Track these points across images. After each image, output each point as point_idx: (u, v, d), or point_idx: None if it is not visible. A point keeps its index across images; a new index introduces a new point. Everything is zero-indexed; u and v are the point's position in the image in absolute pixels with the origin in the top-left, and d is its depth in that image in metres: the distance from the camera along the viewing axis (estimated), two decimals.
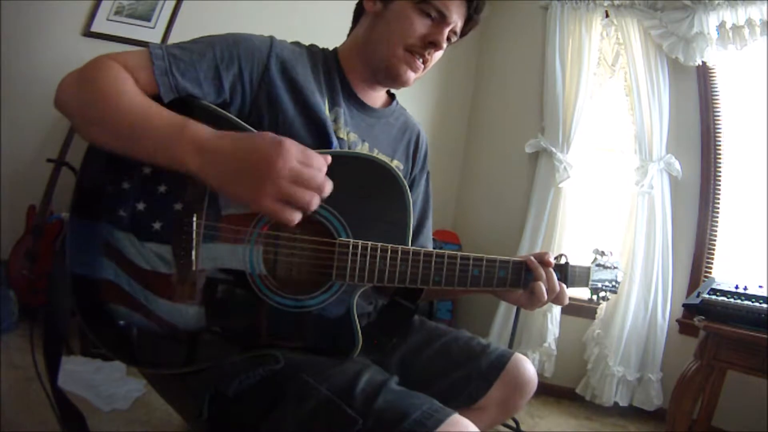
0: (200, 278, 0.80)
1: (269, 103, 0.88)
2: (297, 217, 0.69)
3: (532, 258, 0.90)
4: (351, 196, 0.84)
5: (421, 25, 0.94)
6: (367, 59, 0.99)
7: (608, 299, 1.04)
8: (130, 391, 1.75)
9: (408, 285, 0.86)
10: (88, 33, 2.34)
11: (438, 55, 0.99)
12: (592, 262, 1.01)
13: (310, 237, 0.83)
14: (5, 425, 1.41)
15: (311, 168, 0.70)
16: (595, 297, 1.01)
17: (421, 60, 0.96)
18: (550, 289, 0.89)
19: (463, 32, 0.99)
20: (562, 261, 0.94)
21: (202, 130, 0.72)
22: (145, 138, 0.72)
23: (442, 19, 0.94)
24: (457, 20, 0.95)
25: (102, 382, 1.76)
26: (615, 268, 1.03)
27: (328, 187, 0.71)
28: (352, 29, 1.05)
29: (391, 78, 0.98)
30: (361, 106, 1.02)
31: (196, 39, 0.87)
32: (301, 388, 0.77)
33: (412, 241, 1.06)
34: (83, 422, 0.90)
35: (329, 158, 0.74)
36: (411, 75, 0.97)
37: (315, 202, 0.70)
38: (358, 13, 1.03)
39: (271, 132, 0.72)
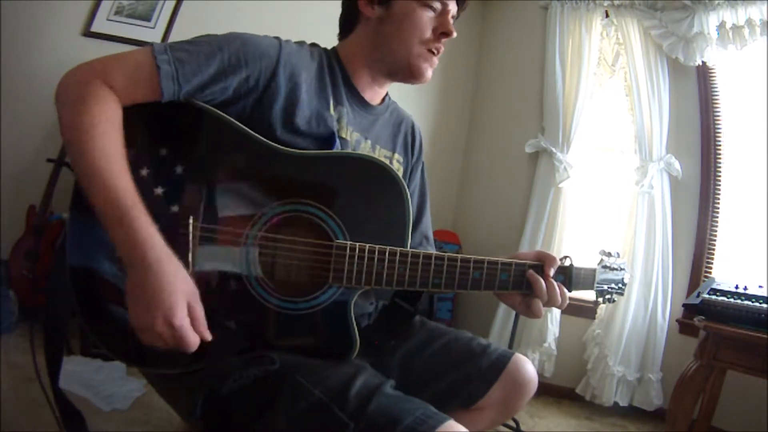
0: (196, 280, 0.80)
1: (271, 106, 0.88)
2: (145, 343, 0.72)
3: (533, 272, 0.90)
4: (349, 198, 0.84)
5: (429, 19, 0.96)
6: (380, 60, 0.99)
7: (614, 301, 1.03)
8: (130, 391, 1.75)
9: (407, 288, 0.85)
10: (88, 33, 2.34)
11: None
12: (598, 264, 1.00)
13: (306, 239, 0.83)
14: (5, 425, 1.41)
15: (181, 340, 0.71)
16: (600, 299, 1.01)
17: (436, 53, 0.99)
18: (551, 302, 0.89)
19: (458, 15, 1.02)
20: (567, 263, 0.94)
21: (140, 226, 0.71)
22: (93, 195, 0.73)
23: (444, 9, 0.97)
24: (453, 6, 0.99)
25: (102, 382, 1.76)
26: (621, 269, 1.02)
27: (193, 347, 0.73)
28: (344, 35, 1.04)
29: (413, 76, 1.00)
30: (363, 105, 1.03)
31: (200, 38, 0.86)
32: (295, 389, 0.77)
33: (413, 230, 1.07)
34: (83, 422, 0.90)
35: (208, 337, 0.74)
36: (430, 72, 1.01)
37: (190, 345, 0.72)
38: (352, 19, 1.02)
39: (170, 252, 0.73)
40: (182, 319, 0.70)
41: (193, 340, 0.72)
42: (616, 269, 1.01)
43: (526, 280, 0.89)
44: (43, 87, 2.11)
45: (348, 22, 1.03)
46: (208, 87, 0.83)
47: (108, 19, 2.38)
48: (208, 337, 0.74)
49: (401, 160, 1.10)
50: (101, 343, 0.83)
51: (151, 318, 0.70)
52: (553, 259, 0.91)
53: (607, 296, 1.01)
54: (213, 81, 0.83)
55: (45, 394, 0.85)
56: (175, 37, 2.46)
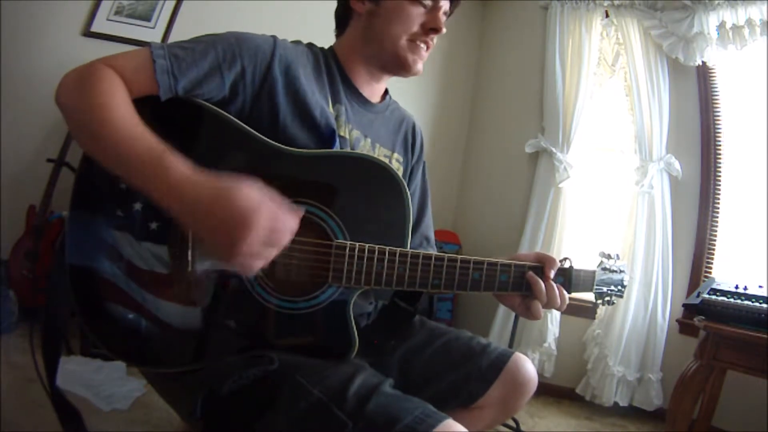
0: (196, 279, 0.80)
1: (270, 103, 0.88)
2: (258, 269, 0.71)
3: (532, 273, 0.90)
4: (349, 197, 0.84)
5: (417, 15, 0.97)
6: (372, 54, 1.00)
7: (614, 303, 1.02)
8: (130, 391, 1.75)
9: (407, 288, 0.85)
10: (88, 33, 2.34)
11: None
12: (598, 266, 1.00)
13: (306, 239, 0.83)
14: (5, 425, 1.41)
15: (280, 232, 0.70)
16: (600, 301, 1.00)
17: (425, 47, 0.99)
18: (550, 304, 0.89)
19: (451, 11, 1.03)
20: (566, 265, 0.94)
21: (179, 171, 0.70)
22: (122, 160, 0.72)
23: (435, 5, 0.98)
24: (446, 2, 0.99)
25: (102, 382, 1.76)
26: (621, 271, 1.02)
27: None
28: (339, 32, 1.05)
29: (403, 68, 1.00)
30: (362, 102, 1.03)
31: (198, 38, 0.87)
32: (294, 389, 0.77)
33: (413, 231, 1.06)
34: (81, 422, 0.90)
35: (301, 212, 0.74)
36: (419, 64, 1.01)
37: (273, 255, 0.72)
38: (345, 15, 1.03)
39: (249, 180, 0.71)
40: (264, 221, 0.68)
41: (288, 233, 0.71)
42: (616, 271, 1.01)
43: (525, 282, 0.89)
44: (43, 87, 2.11)
45: (342, 19, 1.05)
46: (204, 81, 0.83)
47: (108, 19, 2.38)
48: (296, 226, 0.72)
49: (401, 159, 1.10)
50: (101, 343, 0.82)
51: (237, 244, 0.66)
52: (553, 260, 0.91)
53: (607, 298, 1.01)
54: (208, 75, 0.83)
55: (47, 393, 0.85)
56: (175, 37, 2.47)
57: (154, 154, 0.71)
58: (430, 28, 0.97)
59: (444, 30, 0.98)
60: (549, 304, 0.89)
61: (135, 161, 0.71)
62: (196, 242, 0.80)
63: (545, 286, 0.89)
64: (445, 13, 1.00)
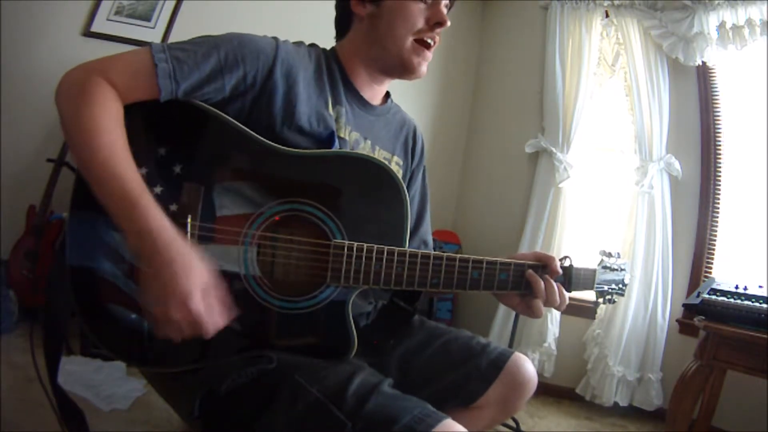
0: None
1: (270, 105, 0.88)
2: (164, 337, 0.72)
3: (531, 272, 0.90)
4: (347, 198, 0.84)
5: (419, 11, 0.96)
6: (375, 57, 0.99)
7: (615, 302, 1.02)
8: (130, 391, 1.75)
9: (405, 288, 0.85)
10: (88, 33, 2.34)
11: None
12: (599, 264, 1.00)
13: (304, 239, 0.83)
14: (5, 425, 1.41)
15: (202, 326, 0.72)
16: (601, 300, 1.00)
17: (432, 43, 0.98)
18: (549, 301, 0.89)
19: (451, 4, 1.02)
20: (566, 263, 0.94)
21: (150, 214, 0.71)
22: (99, 190, 0.73)
23: None
24: None
25: (102, 382, 1.76)
26: (622, 270, 1.02)
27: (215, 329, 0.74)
28: (340, 36, 1.05)
29: (407, 71, 0.99)
30: (363, 104, 1.02)
31: (198, 39, 0.87)
32: (293, 389, 0.77)
33: (411, 235, 1.06)
34: (83, 420, 0.90)
35: (227, 319, 0.75)
36: (424, 66, 1.00)
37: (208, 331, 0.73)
38: (346, 19, 1.02)
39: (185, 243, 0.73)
40: (198, 304, 0.70)
41: (210, 326, 0.72)
42: (617, 270, 1.01)
43: (525, 280, 0.89)
44: (43, 87, 2.11)
45: (342, 22, 1.04)
46: (206, 85, 0.83)
47: (108, 19, 2.38)
48: (222, 323, 0.74)
49: (400, 163, 1.09)
50: (101, 343, 0.82)
51: (167, 306, 0.69)
52: (552, 258, 0.91)
53: (608, 297, 1.01)
54: (210, 79, 0.83)
55: (47, 393, 0.85)
56: (175, 37, 2.47)
57: (130, 198, 0.72)
58: (434, 23, 0.97)
59: (449, 23, 0.98)
60: (548, 303, 0.89)
61: (111, 197, 0.72)
62: (194, 241, 0.80)
63: (545, 284, 0.89)
64: (446, 6, 0.99)
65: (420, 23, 0.96)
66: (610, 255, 1.01)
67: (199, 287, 0.71)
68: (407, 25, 0.96)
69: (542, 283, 0.89)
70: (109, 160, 0.73)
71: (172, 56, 0.80)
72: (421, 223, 1.14)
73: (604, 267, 1.00)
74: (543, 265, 0.91)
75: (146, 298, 0.72)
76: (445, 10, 0.99)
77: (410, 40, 0.96)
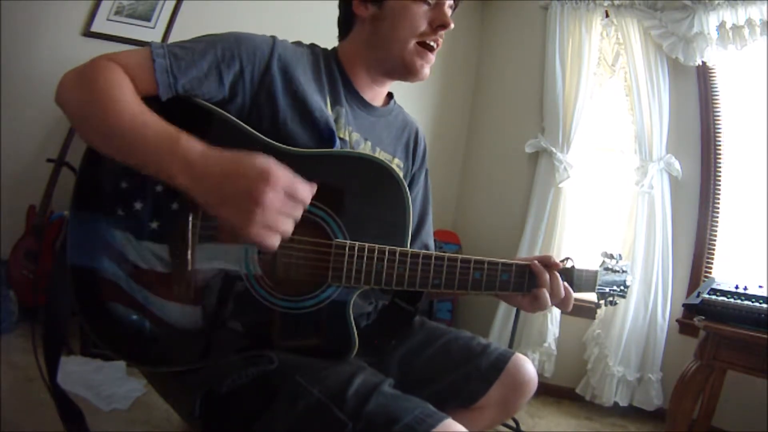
0: (196, 278, 0.80)
1: (269, 102, 0.88)
2: (277, 243, 0.70)
3: (536, 262, 0.89)
4: (349, 197, 0.84)
5: (422, 13, 0.95)
6: (377, 59, 0.99)
7: (616, 303, 1.02)
8: (130, 391, 1.75)
9: (406, 288, 0.85)
10: (88, 33, 2.34)
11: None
12: (600, 266, 0.99)
13: (306, 238, 0.83)
14: (5, 425, 1.41)
15: (295, 200, 0.70)
16: (602, 301, 1.00)
17: (435, 45, 0.97)
18: (554, 294, 0.88)
19: (456, 5, 1.01)
20: (568, 265, 0.93)
21: (192, 147, 0.71)
22: (136, 147, 0.72)
23: (439, 1, 0.96)
24: None
25: (102, 382, 1.76)
26: (623, 271, 1.01)
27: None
28: (342, 37, 1.04)
29: (410, 73, 0.99)
30: (363, 105, 1.02)
31: (197, 38, 0.87)
32: (294, 389, 0.77)
33: (413, 238, 1.06)
34: (83, 421, 0.90)
35: (315, 186, 0.73)
36: (427, 69, 0.99)
37: (291, 229, 0.71)
38: (348, 20, 1.02)
39: (267, 140, 0.72)
40: (285, 177, 0.68)
41: (309, 186, 0.71)
42: (618, 271, 1.01)
43: (527, 281, 0.89)
44: (43, 87, 2.11)
45: (345, 23, 1.03)
46: (204, 81, 0.83)
47: (108, 19, 2.38)
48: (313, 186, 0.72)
49: (401, 165, 1.09)
50: (101, 343, 0.82)
51: (262, 199, 0.66)
52: (551, 256, 0.91)
53: (609, 298, 1.01)
54: (207, 75, 0.83)
55: (50, 392, 0.85)
56: (175, 37, 2.47)
57: (168, 137, 0.71)
58: (437, 25, 0.96)
59: (452, 25, 0.97)
60: (553, 295, 0.88)
61: (149, 146, 0.71)
62: (195, 240, 0.80)
63: (551, 276, 0.88)
64: (450, 7, 0.98)
65: (423, 26, 0.95)
66: (611, 256, 1.01)
67: (265, 175, 0.68)
68: (410, 27, 0.95)
69: (547, 274, 0.88)
70: (135, 121, 0.72)
71: (170, 53, 0.81)
72: (423, 227, 1.13)
73: (606, 269, 0.99)
74: (545, 261, 0.91)
75: (237, 211, 0.67)
76: (449, 12, 0.98)
77: (413, 42, 0.96)
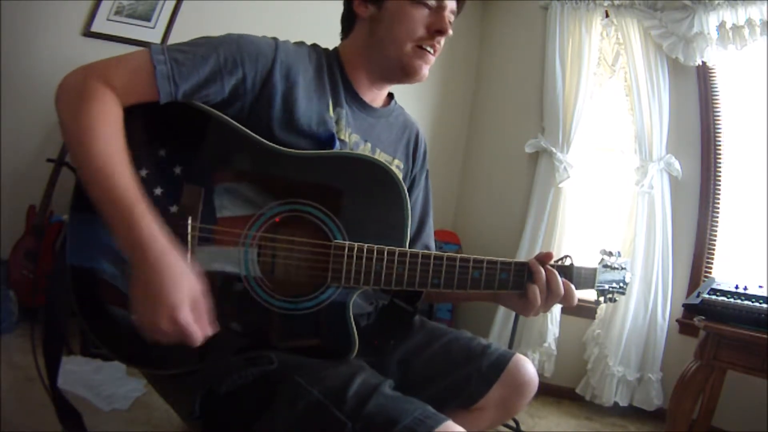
0: None
1: (269, 106, 0.88)
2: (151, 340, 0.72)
3: (534, 260, 0.89)
4: (347, 198, 0.84)
5: (422, 17, 0.94)
6: (375, 61, 0.98)
7: (616, 300, 1.02)
8: (130, 391, 1.75)
9: (406, 288, 0.85)
10: (88, 33, 2.34)
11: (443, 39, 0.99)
12: (599, 263, 0.99)
13: (305, 239, 0.83)
14: (5, 425, 1.41)
15: (187, 336, 0.71)
16: (602, 299, 1.00)
17: (432, 51, 0.97)
18: (552, 291, 0.87)
19: (458, 11, 1.00)
20: (567, 262, 0.93)
21: (143, 224, 0.71)
22: (96, 197, 0.73)
23: (440, 6, 0.95)
24: (452, 2, 0.96)
25: (102, 382, 1.76)
26: (623, 269, 1.01)
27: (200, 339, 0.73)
28: (344, 36, 1.04)
29: (408, 75, 0.98)
30: (363, 107, 1.02)
31: (198, 40, 0.87)
32: (293, 389, 0.77)
33: (413, 240, 1.06)
34: (80, 421, 0.90)
35: (214, 330, 0.75)
36: (425, 69, 0.98)
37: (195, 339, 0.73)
38: (350, 19, 1.02)
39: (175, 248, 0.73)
40: (186, 316, 0.70)
41: (198, 336, 0.72)
42: (617, 268, 1.01)
43: (526, 276, 0.88)
44: (43, 87, 2.11)
45: (346, 22, 1.03)
46: (205, 87, 0.83)
47: (108, 19, 2.38)
48: (210, 332, 0.74)
49: (401, 166, 1.08)
50: (101, 343, 0.83)
51: (155, 316, 0.70)
52: (551, 253, 0.91)
53: (609, 296, 1.00)
54: (209, 81, 0.83)
55: (48, 394, 0.85)
56: (175, 37, 2.46)
57: (123, 207, 0.72)
58: (435, 31, 0.94)
59: (450, 32, 0.95)
60: (551, 296, 0.87)
61: (106, 202, 0.72)
62: (194, 242, 0.80)
63: (547, 273, 0.87)
64: (452, 13, 0.97)
65: (420, 30, 0.94)
66: (610, 254, 1.01)
67: (187, 298, 0.71)
68: (407, 30, 0.93)
69: (543, 271, 0.87)
70: (104, 169, 0.73)
71: (171, 58, 0.80)
72: (423, 229, 1.13)
73: (605, 266, 0.99)
74: (540, 258, 0.90)
75: (135, 305, 0.72)
76: (451, 17, 0.97)
77: (410, 45, 0.94)
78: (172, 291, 0.70)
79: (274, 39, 0.92)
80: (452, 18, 0.98)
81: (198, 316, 0.72)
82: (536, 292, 0.87)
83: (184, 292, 0.71)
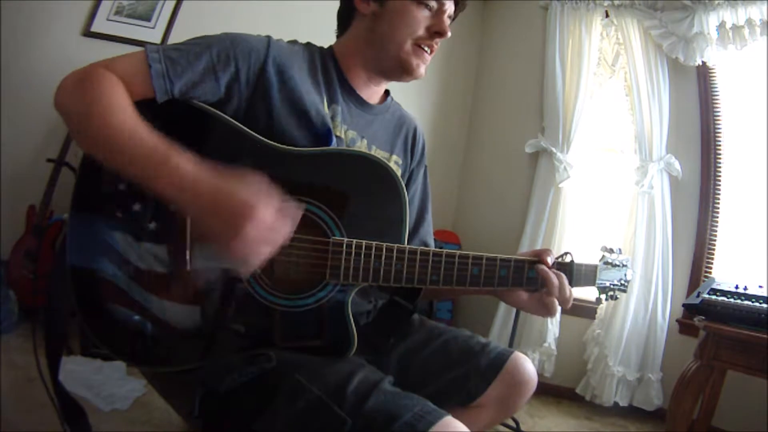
0: (194, 278, 0.80)
1: (265, 102, 0.88)
2: (252, 269, 0.73)
3: (544, 268, 0.88)
4: (346, 195, 0.84)
5: (422, 18, 0.96)
6: (373, 57, 0.99)
7: (617, 298, 1.01)
8: (130, 391, 1.75)
9: (405, 284, 0.85)
10: (88, 33, 2.34)
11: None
12: (600, 260, 0.99)
13: (303, 236, 0.83)
14: (5, 425, 1.41)
15: (276, 231, 0.72)
16: (603, 296, 0.99)
17: (429, 51, 0.98)
18: (562, 297, 0.87)
19: (455, 15, 1.02)
20: (567, 259, 0.93)
21: (183, 165, 0.72)
22: (129, 162, 0.73)
23: (440, 8, 0.97)
24: (450, 5, 0.99)
25: (102, 382, 1.76)
26: (624, 266, 1.01)
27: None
28: (341, 31, 1.05)
29: (405, 73, 0.99)
30: (360, 103, 1.02)
31: (193, 39, 0.87)
32: (293, 387, 0.77)
33: (412, 235, 1.06)
34: (85, 419, 0.90)
35: (302, 211, 0.75)
36: (423, 68, 0.99)
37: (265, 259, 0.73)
38: (348, 15, 1.02)
39: (252, 172, 0.73)
40: (266, 209, 0.70)
41: (293, 216, 0.73)
42: (618, 266, 1.01)
43: (526, 272, 0.88)
44: (43, 87, 2.10)
45: (344, 18, 1.04)
46: (200, 84, 0.83)
47: (108, 19, 2.38)
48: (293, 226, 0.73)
49: (399, 162, 1.09)
50: (101, 343, 0.83)
51: (239, 229, 0.68)
52: (548, 250, 0.90)
53: (610, 293, 1.00)
54: (203, 77, 0.83)
55: (48, 393, 0.85)
56: (174, 37, 2.47)
57: (160, 153, 0.72)
58: (434, 32, 0.97)
59: (449, 34, 0.98)
60: (560, 299, 0.87)
61: (141, 161, 0.72)
62: (195, 240, 0.80)
63: (559, 280, 0.87)
64: (449, 17, 0.99)
65: (420, 30, 0.96)
66: (611, 251, 1.00)
67: (257, 193, 0.70)
68: (408, 29, 0.95)
69: (553, 276, 0.87)
70: (129, 129, 0.73)
71: (166, 56, 0.81)
72: (422, 224, 1.13)
73: (606, 263, 0.99)
74: (540, 257, 0.89)
75: (216, 236, 0.70)
76: (448, 21, 0.99)
77: (409, 43, 0.96)
78: (242, 194, 0.70)
79: (267, 37, 0.93)
80: (449, 22, 1.00)
81: (280, 208, 0.72)
82: (555, 304, 0.88)
83: (251, 189, 0.71)
